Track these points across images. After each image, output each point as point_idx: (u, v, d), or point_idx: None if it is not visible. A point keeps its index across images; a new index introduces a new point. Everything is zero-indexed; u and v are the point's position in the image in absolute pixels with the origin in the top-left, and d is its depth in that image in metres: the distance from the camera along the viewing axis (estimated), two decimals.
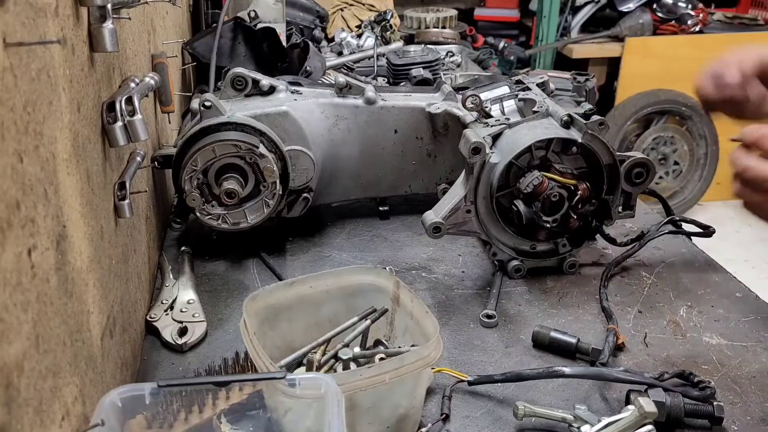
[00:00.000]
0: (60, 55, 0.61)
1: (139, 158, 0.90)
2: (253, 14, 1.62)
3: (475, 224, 1.05)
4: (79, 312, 0.62)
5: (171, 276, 1.06)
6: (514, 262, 1.09)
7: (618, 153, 1.03)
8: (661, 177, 3.54)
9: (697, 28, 3.46)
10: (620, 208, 1.08)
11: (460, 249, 1.20)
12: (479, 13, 3.98)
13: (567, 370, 0.82)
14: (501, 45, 3.38)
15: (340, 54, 1.99)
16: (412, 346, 0.78)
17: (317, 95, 1.19)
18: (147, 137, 0.79)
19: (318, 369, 0.76)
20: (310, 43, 1.55)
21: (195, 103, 1.10)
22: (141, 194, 0.99)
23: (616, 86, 3.48)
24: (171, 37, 1.47)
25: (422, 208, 1.06)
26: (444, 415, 0.80)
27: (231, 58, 1.51)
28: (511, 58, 3.23)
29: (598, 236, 1.11)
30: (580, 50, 3.44)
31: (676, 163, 3.57)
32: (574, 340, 0.91)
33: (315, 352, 0.78)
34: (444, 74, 1.68)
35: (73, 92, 0.65)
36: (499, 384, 0.85)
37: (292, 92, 1.18)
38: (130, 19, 0.93)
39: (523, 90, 1.19)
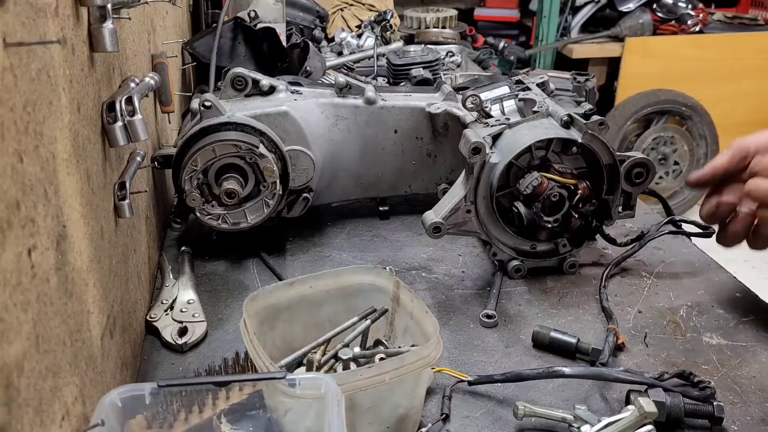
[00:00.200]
0: (60, 55, 0.61)
1: (139, 158, 0.90)
2: (253, 14, 1.62)
3: (475, 224, 1.05)
4: (79, 312, 0.62)
5: (171, 276, 1.06)
6: (514, 262, 1.09)
7: (618, 153, 1.03)
8: (661, 177, 3.55)
9: (697, 28, 3.46)
10: (620, 208, 1.08)
11: (460, 249, 1.20)
12: (479, 13, 3.99)
13: (567, 370, 0.82)
14: (501, 45, 3.38)
15: (340, 54, 1.99)
16: (412, 346, 0.78)
17: (317, 95, 1.19)
18: (147, 137, 0.79)
19: (318, 369, 0.76)
20: (310, 43, 1.55)
21: (195, 103, 1.10)
22: (141, 194, 0.99)
23: (616, 86, 3.49)
24: (171, 37, 1.47)
25: (422, 208, 1.06)
26: (444, 415, 0.80)
27: (231, 58, 1.51)
28: (511, 58, 3.23)
29: (598, 236, 1.11)
30: (580, 50, 3.45)
31: (676, 163, 3.57)
32: (574, 340, 0.91)
33: (315, 352, 0.78)
34: (444, 74, 1.68)
35: (73, 92, 0.65)
36: (499, 384, 0.85)
37: (292, 92, 1.18)
38: (130, 19, 0.93)
39: (523, 90, 1.19)
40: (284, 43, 1.58)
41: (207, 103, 1.08)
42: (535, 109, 1.09)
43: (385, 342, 0.82)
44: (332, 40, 2.15)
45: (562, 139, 1.01)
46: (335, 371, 0.76)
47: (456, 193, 1.04)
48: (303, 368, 0.78)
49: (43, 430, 0.50)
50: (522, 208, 1.01)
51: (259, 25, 1.56)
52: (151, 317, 0.96)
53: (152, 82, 0.92)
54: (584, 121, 1.01)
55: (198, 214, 1.09)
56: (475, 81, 1.40)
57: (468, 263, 1.15)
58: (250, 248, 1.19)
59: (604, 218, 1.08)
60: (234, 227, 1.11)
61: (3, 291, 0.44)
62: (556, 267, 1.11)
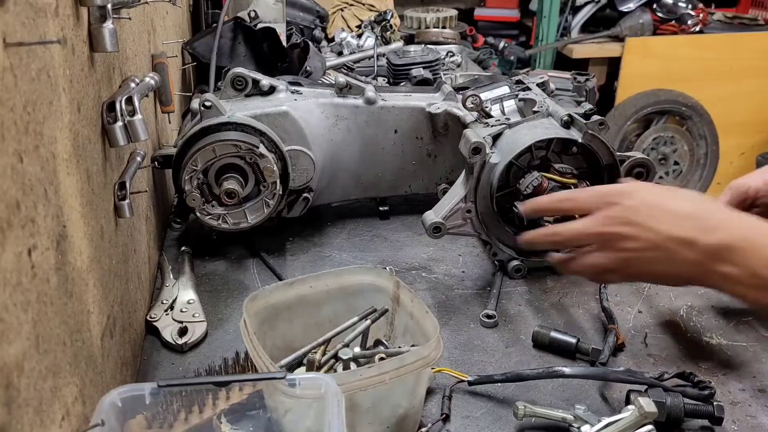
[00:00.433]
0: (60, 55, 0.61)
1: (139, 158, 0.90)
2: (253, 14, 1.62)
3: (475, 224, 1.05)
4: (79, 312, 0.62)
5: (171, 276, 1.06)
6: (514, 262, 1.09)
7: (618, 153, 1.03)
8: (661, 177, 3.54)
9: (697, 28, 3.46)
10: None
11: (460, 249, 1.20)
12: (479, 13, 3.98)
13: (567, 370, 0.82)
14: (501, 45, 3.37)
15: (340, 54, 1.99)
16: (412, 346, 0.78)
17: (317, 95, 1.19)
18: (147, 137, 0.79)
19: (318, 369, 0.76)
20: (310, 43, 1.55)
21: (195, 103, 1.10)
22: (141, 194, 0.99)
23: (616, 86, 3.48)
24: (171, 37, 1.47)
25: (422, 208, 1.06)
26: (444, 415, 0.80)
27: (231, 58, 1.50)
28: (511, 58, 3.22)
29: None
30: (580, 50, 3.44)
31: (676, 163, 3.57)
32: (574, 340, 0.91)
33: (315, 352, 0.78)
34: (444, 74, 1.68)
35: (73, 92, 0.65)
36: (499, 384, 0.85)
37: (292, 92, 1.18)
38: (130, 19, 0.93)
39: (524, 90, 1.19)
40: (284, 43, 1.58)
41: (207, 103, 1.08)
42: (535, 109, 1.09)
43: (385, 342, 0.82)
44: (332, 40, 2.15)
45: (562, 139, 1.01)
46: (335, 371, 0.76)
47: (456, 193, 1.04)
48: (303, 368, 0.78)
49: (43, 430, 0.50)
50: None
51: (259, 25, 1.56)
52: (151, 317, 0.96)
53: (152, 82, 0.92)
54: (584, 121, 1.01)
55: (198, 214, 1.09)
56: (475, 81, 1.40)
57: (468, 263, 1.15)
58: (250, 248, 1.19)
59: None
60: (234, 227, 1.11)
61: (3, 291, 0.44)
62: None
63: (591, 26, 3.60)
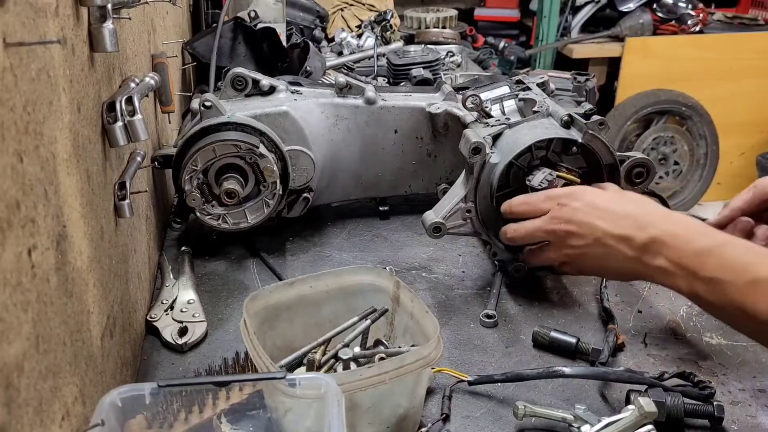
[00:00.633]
0: (60, 55, 0.61)
1: (139, 158, 0.90)
2: (253, 14, 1.62)
3: (476, 224, 1.05)
4: (79, 312, 0.62)
5: (171, 276, 1.06)
6: (514, 262, 1.08)
7: (618, 153, 1.03)
8: (661, 177, 3.54)
9: (697, 28, 3.46)
10: None
11: (460, 249, 1.20)
12: (479, 13, 3.98)
13: (567, 370, 0.82)
14: (501, 45, 3.38)
15: (340, 54, 1.99)
16: (412, 346, 0.78)
17: (317, 95, 1.19)
18: (147, 137, 0.79)
19: (318, 369, 0.76)
20: (310, 43, 1.55)
21: (195, 103, 1.10)
22: (141, 194, 0.99)
23: (616, 86, 3.48)
24: (171, 37, 1.47)
25: (422, 208, 1.06)
26: (444, 415, 0.80)
27: (231, 58, 1.51)
28: (511, 58, 3.23)
29: None
30: (580, 50, 3.44)
31: (676, 163, 3.57)
32: (574, 340, 0.91)
33: (315, 352, 0.78)
34: (444, 74, 1.68)
35: (73, 92, 0.65)
36: (499, 384, 0.85)
37: (292, 92, 1.18)
38: (130, 19, 0.93)
39: (524, 90, 1.19)
40: (284, 43, 1.58)
41: (207, 103, 1.08)
42: (535, 109, 1.09)
43: (385, 342, 0.82)
44: (332, 40, 2.15)
45: (562, 138, 1.01)
46: (335, 371, 0.76)
47: (456, 193, 1.04)
48: (303, 368, 0.78)
49: (43, 430, 0.50)
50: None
51: (259, 25, 1.56)
52: (151, 317, 0.96)
53: (152, 82, 0.92)
54: (584, 121, 1.01)
55: (198, 214, 1.09)
56: (475, 81, 1.40)
57: (468, 263, 1.15)
58: (250, 248, 1.19)
59: None
60: (234, 227, 1.11)
61: (3, 291, 0.44)
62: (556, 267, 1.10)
63: (591, 26, 3.60)
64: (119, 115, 0.76)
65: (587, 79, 1.36)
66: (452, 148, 1.18)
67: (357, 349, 0.78)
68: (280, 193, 1.11)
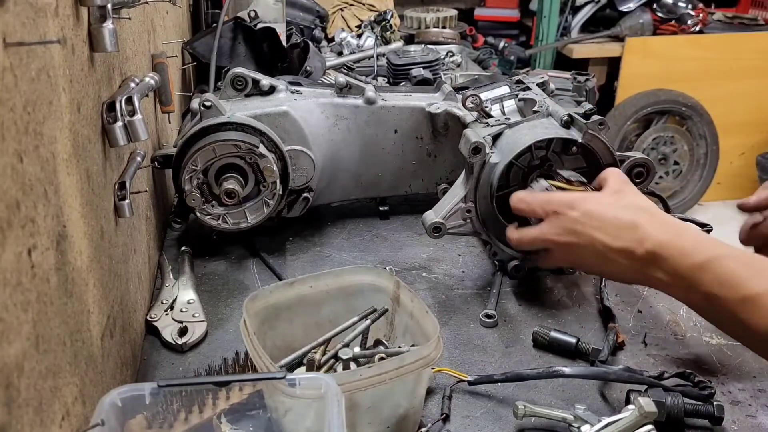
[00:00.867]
0: (60, 55, 0.61)
1: (139, 158, 0.90)
2: (253, 14, 1.62)
3: (475, 224, 1.05)
4: (79, 312, 0.62)
5: (171, 276, 1.06)
6: (514, 262, 1.08)
7: (618, 153, 1.03)
8: (661, 177, 3.54)
9: (697, 28, 3.46)
10: None
11: (460, 249, 1.20)
12: (479, 13, 3.98)
13: (567, 370, 0.82)
14: (501, 45, 3.38)
15: (340, 54, 1.99)
16: (412, 346, 0.78)
17: (317, 95, 1.19)
18: (147, 137, 0.79)
19: (318, 369, 0.76)
20: (310, 43, 1.55)
21: (195, 103, 1.10)
22: (141, 194, 0.99)
23: (616, 86, 3.48)
24: (171, 37, 1.47)
25: (422, 208, 1.06)
26: (444, 415, 0.80)
27: (231, 58, 1.51)
28: (511, 58, 3.23)
29: None
30: (580, 50, 3.44)
31: (676, 163, 3.57)
32: (574, 340, 0.91)
33: (315, 352, 0.78)
34: (444, 74, 1.68)
35: (73, 92, 0.65)
36: (499, 384, 0.85)
37: (292, 92, 1.18)
38: (130, 19, 0.93)
39: (524, 90, 1.19)
40: (284, 43, 1.58)
41: (207, 103, 1.08)
42: (535, 109, 1.09)
43: (385, 342, 0.82)
44: (332, 40, 2.15)
45: (562, 138, 1.01)
46: (335, 371, 0.76)
47: (456, 193, 1.04)
48: (303, 368, 0.78)
49: (43, 430, 0.50)
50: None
51: (259, 25, 1.56)
52: (151, 317, 0.96)
53: (152, 82, 0.92)
54: (584, 121, 1.01)
55: (198, 214, 1.09)
56: (475, 81, 1.40)
57: (468, 263, 1.15)
58: (250, 248, 1.19)
59: None
60: (234, 227, 1.11)
61: (3, 291, 0.44)
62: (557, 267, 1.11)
63: (591, 26, 3.61)
64: (119, 115, 0.76)
65: (587, 79, 1.36)
66: (452, 148, 1.18)
67: (357, 349, 0.78)
68: (280, 193, 1.11)
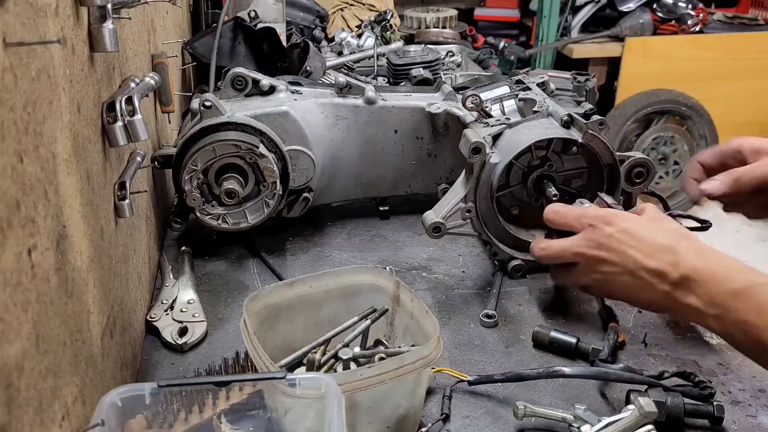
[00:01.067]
0: (60, 55, 0.61)
1: (139, 158, 0.90)
2: (253, 14, 1.62)
3: (475, 224, 1.05)
4: (79, 312, 0.62)
5: (171, 276, 1.06)
6: (515, 262, 1.08)
7: (618, 153, 1.03)
8: (661, 177, 3.54)
9: (697, 28, 3.46)
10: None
11: (460, 249, 1.20)
12: (479, 13, 3.98)
13: (567, 370, 0.82)
14: (501, 45, 3.38)
15: (340, 54, 1.99)
16: (412, 346, 0.78)
17: (317, 95, 1.19)
18: (147, 137, 0.79)
19: (318, 369, 0.76)
20: (310, 43, 1.55)
21: (195, 103, 1.10)
22: (141, 194, 0.99)
23: (616, 86, 3.48)
24: (171, 37, 1.47)
25: (422, 208, 1.06)
26: (444, 415, 0.80)
27: (231, 58, 1.50)
28: (512, 58, 3.23)
29: None
30: (580, 50, 3.44)
31: (676, 163, 3.57)
32: (574, 340, 0.91)
33: (315, 352, 0.78)
34: (444, 74, 1.68)
35: (73, 92, 0.65)
36: (499, 384, 0.85)
37: (292, 92, 1.18)
38: (130, 19, 0.93)
39: (524, 90, 1.19)
40: (284, 43, 1.58)
41: (207, 103, 1.08)
42: (535, 109, 1.09)
43: (385, 342, 0.82)
44: (332, 40, 2.15)
45: (562, 138, 1.01)
46: (335, 371, 0.76)
47: (456, 193, 1.04)
48: (303, 368, 0.78)
49: (43, 430, 0.50)
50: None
51: (259, 25, 1.56)
52: (151, 317, 0.96)
53: (152, 82, 0.92)
54: (584, 121, 1.01)
55: (198, 214, 1.09)
56: (475, 81, 1.40)
57: (468, 263, 1.15)
58: (250, 248, 1.19)
59: None
60: (234, 227, 1.11)
61: (3, 291, 0.44)
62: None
63: (591, 26, 3.61)
64: (119, 115, 0.76)
65: (587, 79, 1.36)
66: (452, 148, 1.18)
67: (357, 349, 0.78)
68: (280, 193, 1.11)
